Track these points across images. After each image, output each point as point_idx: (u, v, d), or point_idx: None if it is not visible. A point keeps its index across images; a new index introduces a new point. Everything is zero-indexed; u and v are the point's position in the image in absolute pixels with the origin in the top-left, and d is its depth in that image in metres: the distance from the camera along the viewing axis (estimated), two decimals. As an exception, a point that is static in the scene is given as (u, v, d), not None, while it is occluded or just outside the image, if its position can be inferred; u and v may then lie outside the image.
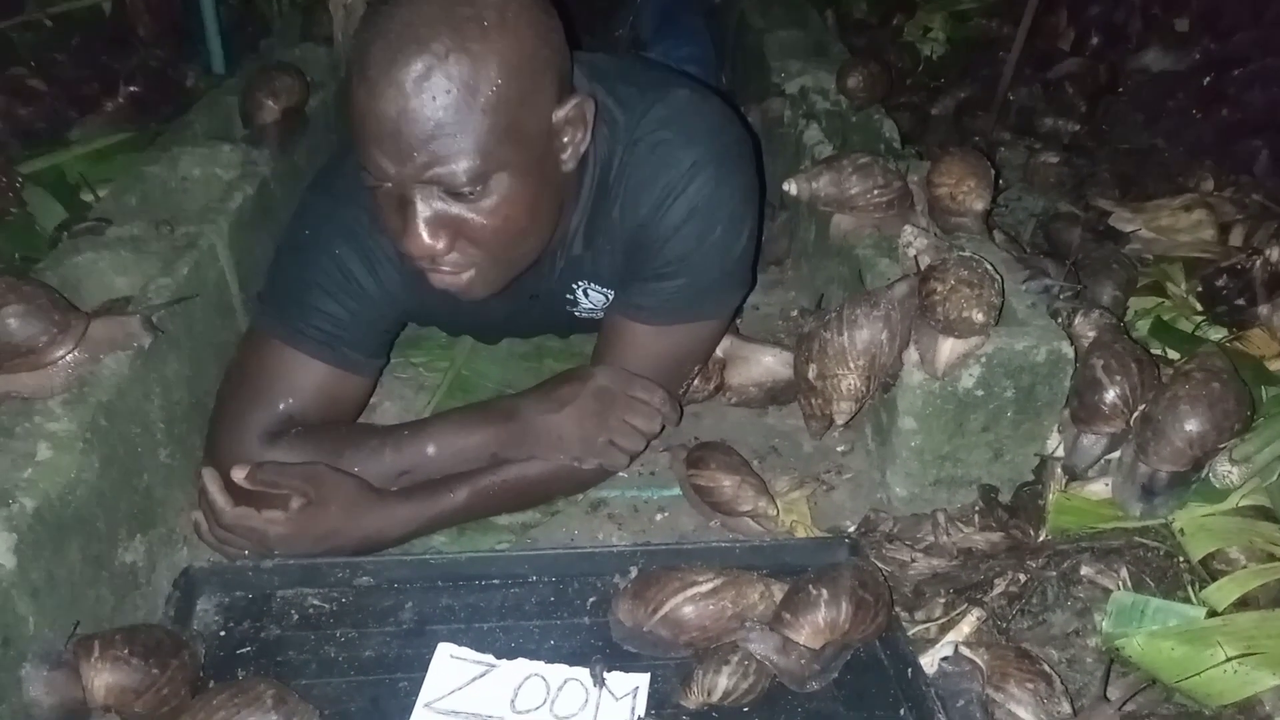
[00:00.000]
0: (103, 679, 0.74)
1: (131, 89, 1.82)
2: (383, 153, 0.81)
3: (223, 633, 0.88)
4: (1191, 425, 0.95)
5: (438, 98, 0.79)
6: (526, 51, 0.83)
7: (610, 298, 1.08)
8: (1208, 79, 1.97)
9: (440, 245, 0.86)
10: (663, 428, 1.04)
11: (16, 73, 1.77)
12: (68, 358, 0.86)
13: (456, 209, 0.85)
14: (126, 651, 0.75)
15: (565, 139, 0.90)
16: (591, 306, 1.11)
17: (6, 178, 1.42)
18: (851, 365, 0.98)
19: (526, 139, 0.85)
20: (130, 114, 1.77)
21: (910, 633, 0.91)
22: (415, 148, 0.80)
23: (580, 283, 1.08)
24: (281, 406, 0.97)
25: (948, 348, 0.97)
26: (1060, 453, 1.06)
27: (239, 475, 0.93)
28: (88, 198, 1.41)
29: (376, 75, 0.79)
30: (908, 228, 1.13)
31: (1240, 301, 1.31)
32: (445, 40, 0.79)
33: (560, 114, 0.88)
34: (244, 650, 0.87)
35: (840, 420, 1.02)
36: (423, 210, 0.84)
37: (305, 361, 0.98)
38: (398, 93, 0.79)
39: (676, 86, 1.01)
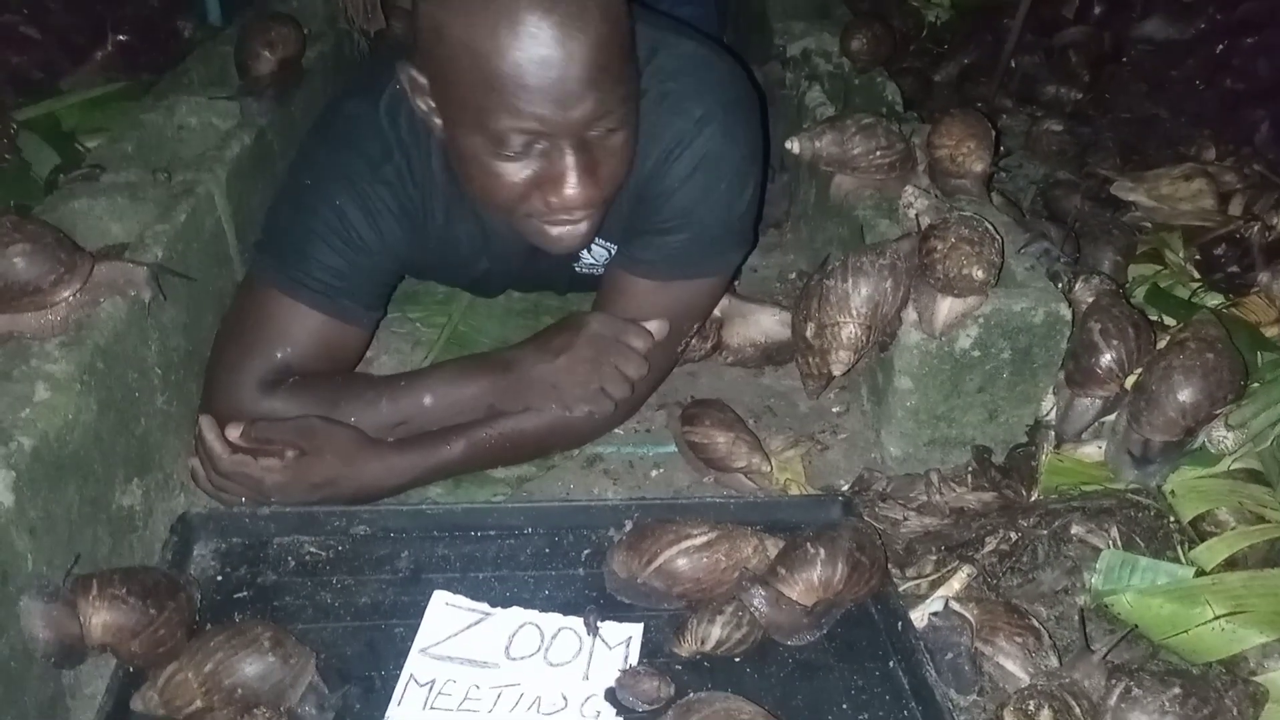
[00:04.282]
0: (100, 617, 0.74)
1: (120, 38, 1.80)
2: (546, 101, 0.80)
3: (219, 578, 0.89)
4: (1185, 395, 0.96)
5: (599, 38, 0.79)
6: None
7: (612, 253, 1.07)
8: (1218, 48, 1.96)
9: (596, 192, 0.86)
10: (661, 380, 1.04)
11: (9, 19, 1.75)
12: (71, 298, 0.86)
13: (592, 153, 0.85)
14: (124, 591, 0.75)
15: None
16: (593, 261, 1.11)
17: (0, 124, 1.41)
18: (853, 313, 0.98)
19: (637, 76, 0.88)
20: (120, 63, 1.75)
21: (901, 589, 0.92)
22: (581, 92, 0.80)
23: None
24: (278, 355, 0.97)
25: (946, 307, 0.98)
26: (1054, 416, 1.06)
27: (234, 434, 0.93)
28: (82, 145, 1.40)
29: (533, 20, 0.77)
30: (909, 188, 1.12)
31: (1235, 269, 1.31)
32: None
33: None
34: (240, 595, 0.87)
35: (838, 371, 1.02)
36: (580, 158, 0.84)
37: (302, 311, 0.98)
38: (562, 36, 0.78)
39: (684, 37, 1.00)
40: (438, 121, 0.90)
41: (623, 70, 0.84)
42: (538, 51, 0.78)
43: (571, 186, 0.85)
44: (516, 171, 0.85)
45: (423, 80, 0.88)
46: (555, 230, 0.91)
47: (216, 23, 1.88)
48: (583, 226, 0.91)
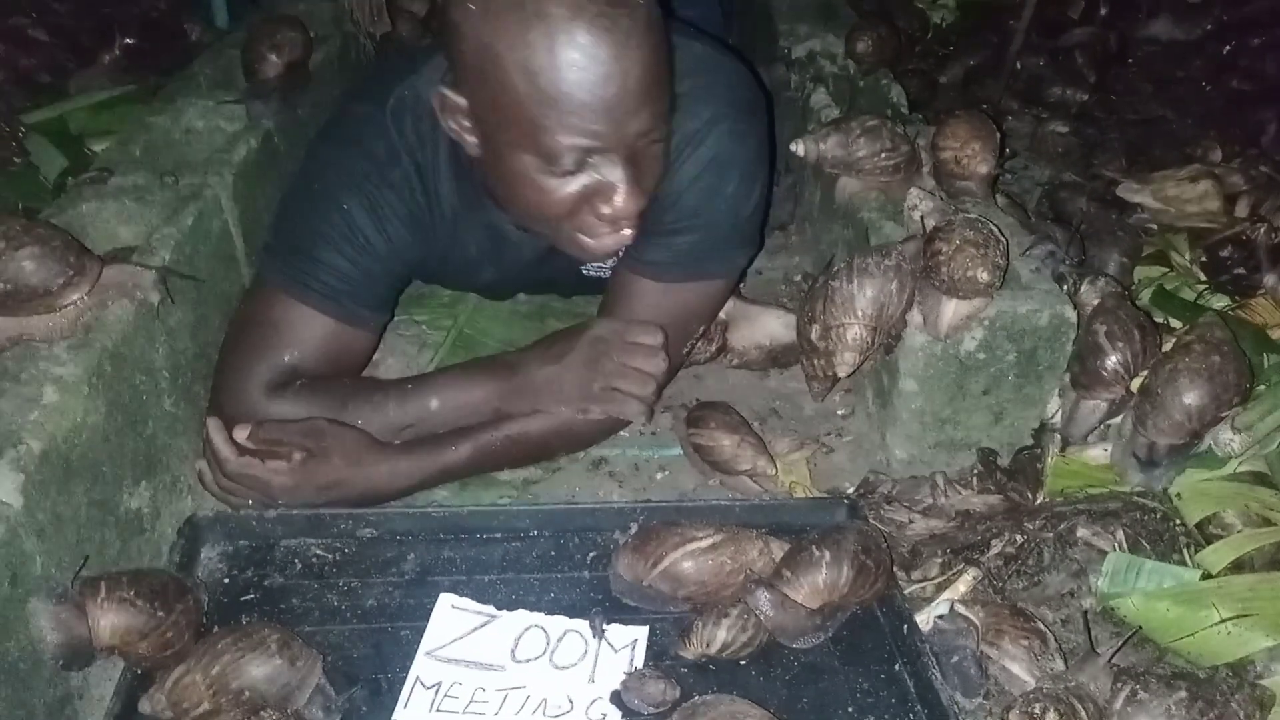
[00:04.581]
0: (108, 619, 0.74)
1: (127, 40, 1.80)
2: (603, 118, 0.80)
3: (226, 580, 0.89)
4: (1190, 398, 0.96)
5: (650, 52, 0.80)
6: None
7: (619, 254, 1.07)
8: (1225, 48, 1.96)
9: (643, 201, 0.87)
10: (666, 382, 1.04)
11: (18, 23, 1.76)
12: (79, 301, 0.86)
13: (639, 163, 0.85)
14: (132, 594, 0.76)
15: None
16: (599, 264, 1.11)
17: (9, 127, 1.41)
18: (859, 314, 0.98)
19: (674, 84, 0.89)
20: (127, 66, 1.76)
21: (907, 591, 0.92)
22: (637, 107, 0.81)
23: None
24: (286, 359, 0.98)
25: (951, 309, 0.98)
26: (1059, 419, 1.06)
27: (241, 435, 0.93)
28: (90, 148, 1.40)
29: (590, 38, 0.77)
30: (914, 190, 1.12)
31: (1241, 271, 1.31)
32: None
33: None
34: (247, 598, 0.88)
35: (843, 373, 1.02)
36: (630, 170, 0.84)
37: (310, 314, 0.98)
38: (618, 52, 0.78)
39: (692, 39, 1.00)
40: (472, 140, 0.89)
41: (668, 81, 0.85)
42: (596, 69, 0.78)
43: (623, 198, 0.85)
44: (566, 186, 0.86)
45: (459, 101, 0.87)
46: (601, 240, 0.91)
47: (223, 26, 1.89)
48: (626, 234, 0.91)
